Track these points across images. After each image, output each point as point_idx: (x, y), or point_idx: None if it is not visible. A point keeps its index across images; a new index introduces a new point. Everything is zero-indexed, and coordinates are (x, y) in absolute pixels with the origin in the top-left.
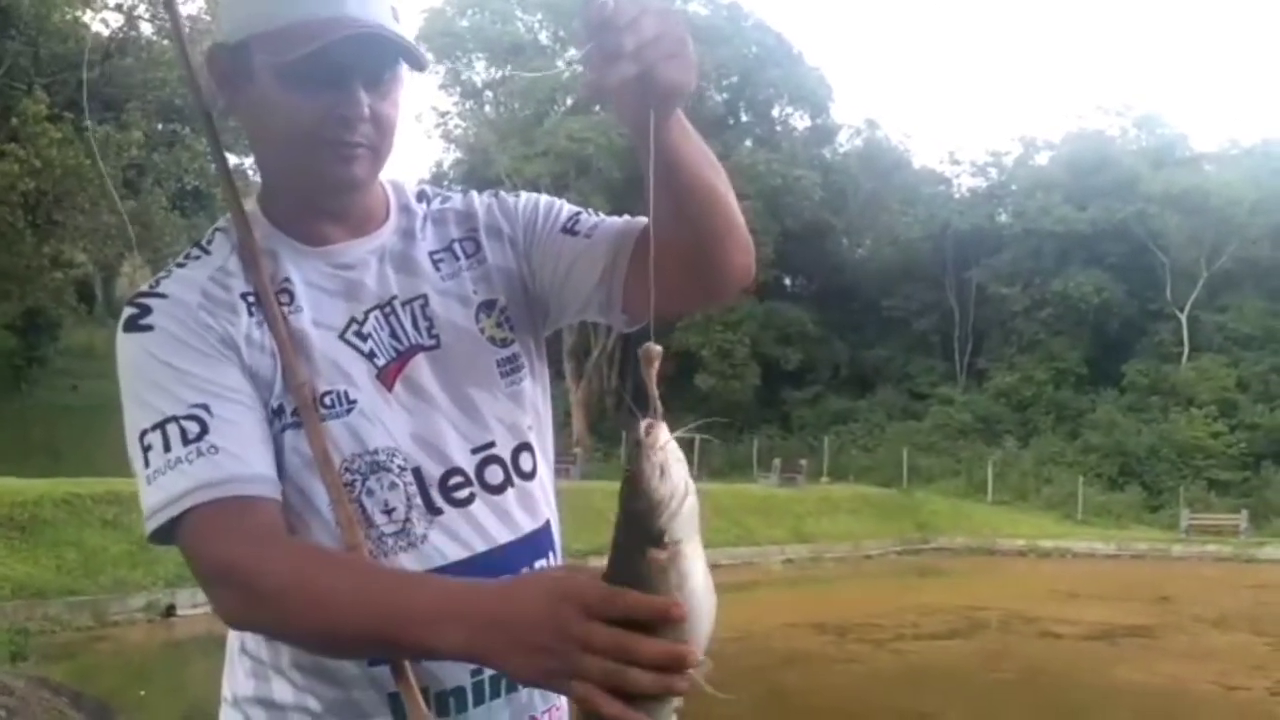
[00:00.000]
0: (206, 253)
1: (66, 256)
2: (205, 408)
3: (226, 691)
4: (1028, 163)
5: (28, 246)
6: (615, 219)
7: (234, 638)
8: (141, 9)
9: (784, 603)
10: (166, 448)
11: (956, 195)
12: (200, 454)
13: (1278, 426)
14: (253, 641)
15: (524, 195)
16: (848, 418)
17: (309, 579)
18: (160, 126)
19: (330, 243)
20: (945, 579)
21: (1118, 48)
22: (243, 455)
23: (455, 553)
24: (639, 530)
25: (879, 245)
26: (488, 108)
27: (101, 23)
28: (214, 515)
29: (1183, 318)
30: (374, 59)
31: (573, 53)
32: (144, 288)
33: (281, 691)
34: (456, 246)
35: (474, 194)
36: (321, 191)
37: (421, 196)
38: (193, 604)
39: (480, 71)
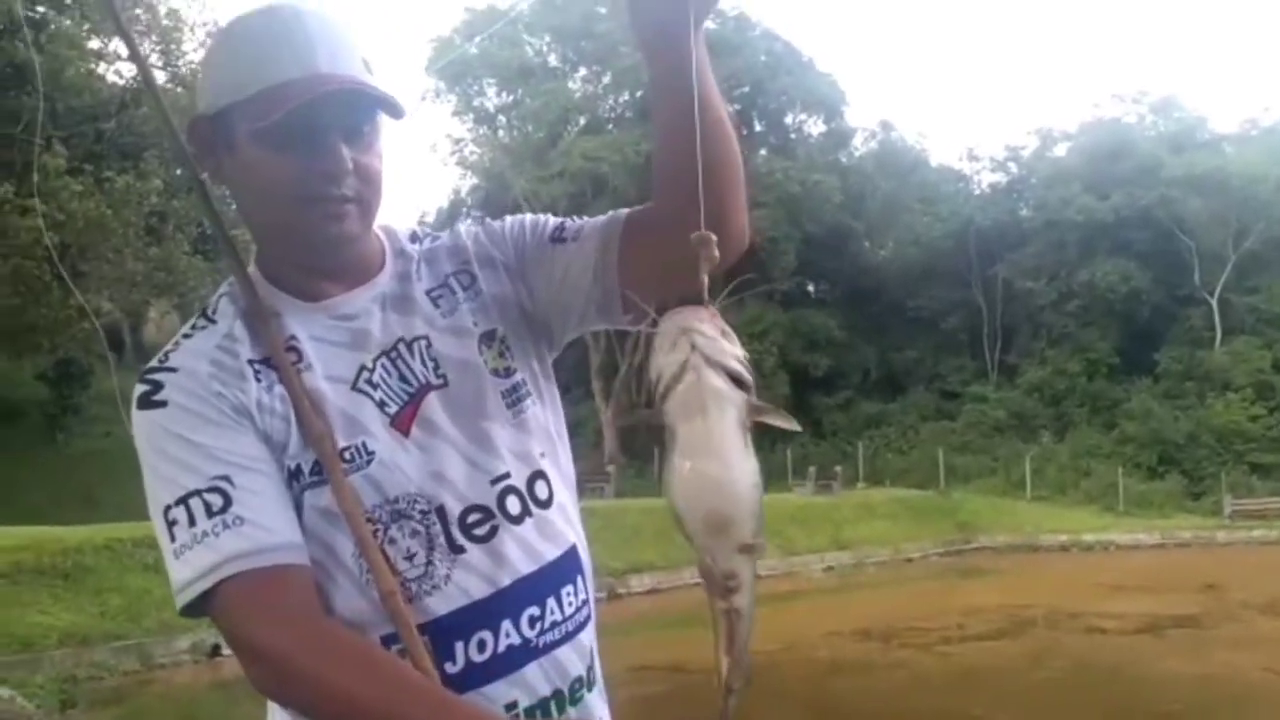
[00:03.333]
0: (212, 321)
1: (94, 305)
2: (227, 479)
3: None
4: (1046, 155)
5: (55, 299)
6: (599, 217)
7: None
8: (154, 58)
9: (827, 611)
10: (191, 522)
11: (976, 192)
12: (226, 526)
13: None
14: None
15: (510, 218)
16: (880, 421)
17: (341, 685)
18: (179, 172)
19: (330, 296)
20: (988, 579)
21: (1129, 34)
22: (268, 524)
23: (480, 589)
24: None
25: (901, 246)
26: (501, 132)
27: (115, 74)
28: (245, 589)
29: (1213, 301)
30: (351, 113)
31: (583, 72)
32: (153, 362)
33: None
34: (452, 281)
35: (461, 227)
36: (315, 251)
37: (414, 238)
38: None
39: (491, 97)
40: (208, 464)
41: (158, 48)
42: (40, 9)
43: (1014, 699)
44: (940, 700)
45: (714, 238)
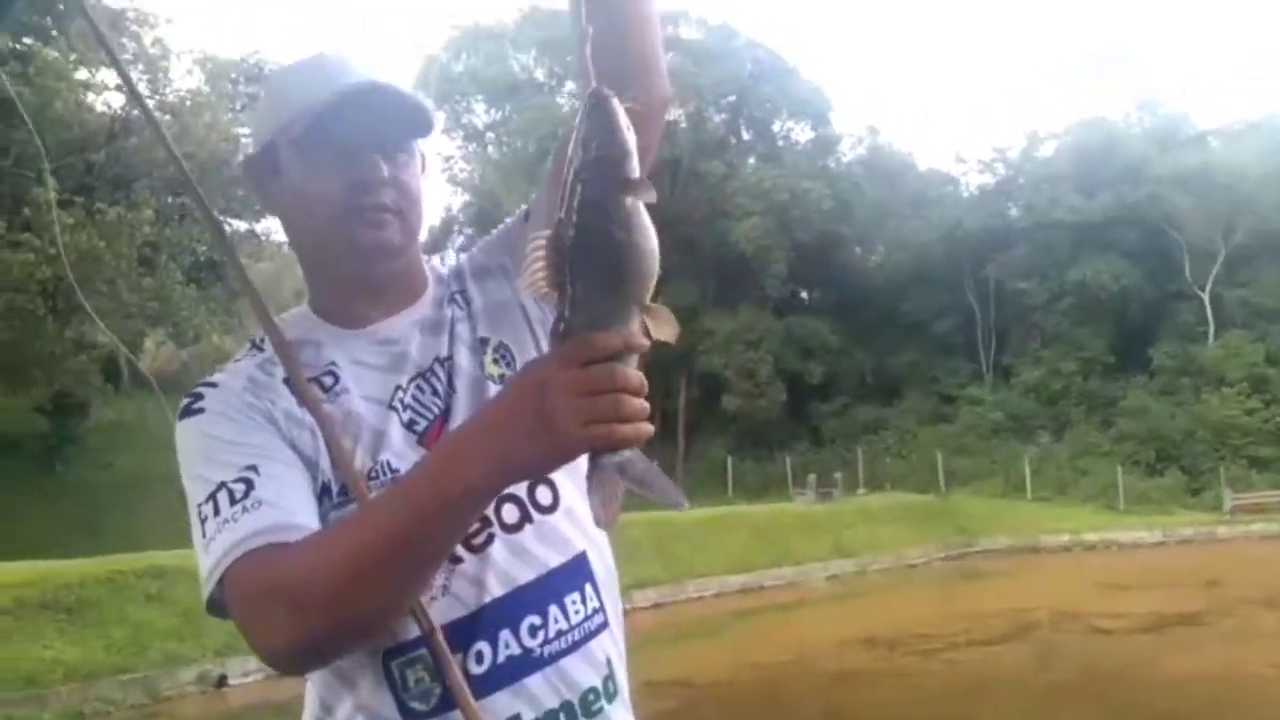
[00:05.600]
0: (260, 349)
1: (89, 338)
2: (253, 468)
3: None
4: (1033, 155)
5: (50, 332)
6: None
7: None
8: (142, 86)
9: (832, 620)
10: (216, 513)
11: (965, 194)
12: (246, 510)
13: None
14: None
15: (500, 226)
16: (878, 426)
17: (324, 537)
18: (170, 200)
19: (373, 322)
20: (991, 581)
21: (1113, 33)
22: (286, 506)
23: (475, 599)
24: (613, 176)
25: (892, 251)
26: (490, 148)
27: (104, 104)
28: (256, 561)
29: (1205, 297)
30: (385, 129)
31: (570, 87)
32: (201, 380)
33: None
34: (458, 298)
35: (463, 254)
36: (359, 261)
37: (450, 269)
38: (244, 673)
39: (480, 114)
40: (237, 457)
41: (145, 77)
42: (27, 41)
43: (1021, 704)
44: (948, 709)
45: (590, 30)
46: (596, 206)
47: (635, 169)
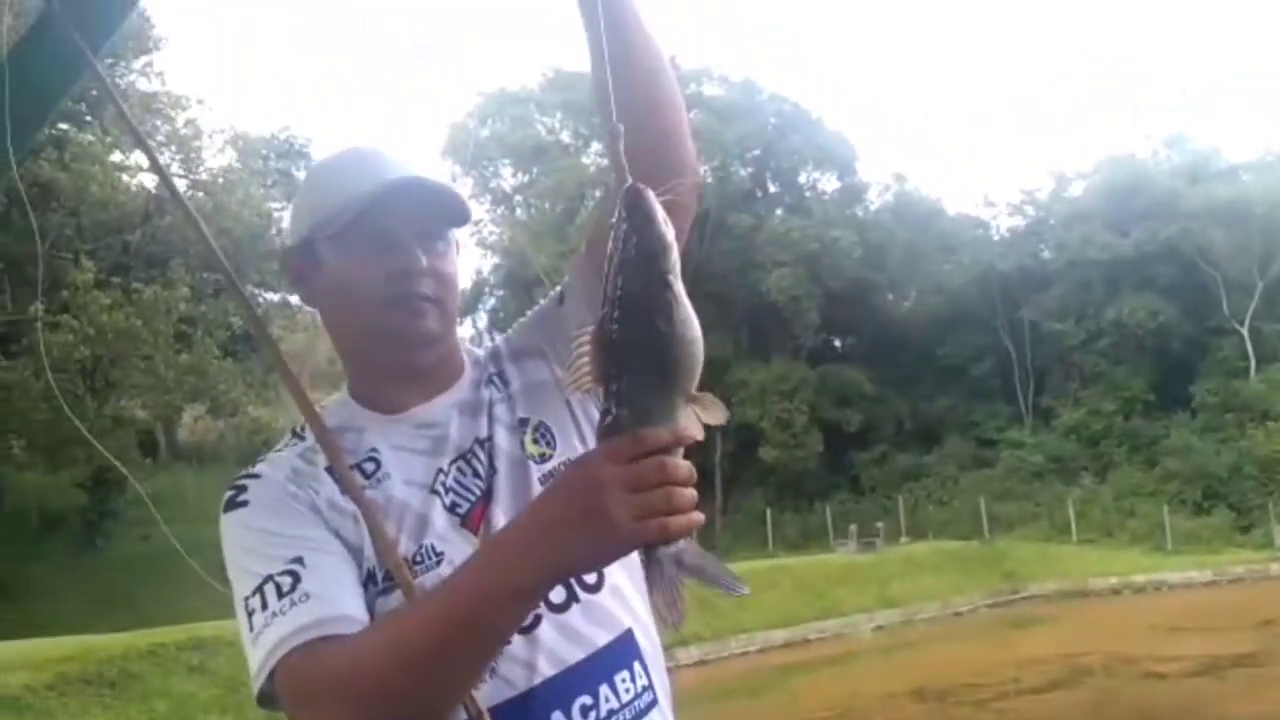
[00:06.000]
0: (301, 439)
1: (128, 414)
2: (299, 560)
3: None
4: (1062, 195)
5: (89, 410)
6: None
7: None
8: (175, 167)
9: (880, 672)
10: (264, 606)
11: (996, 237)
12: (294, 604)
13: None
14: None
15: (536, 308)
16: (918, 474)
17: (375, 633)
18: (205, 275)
19: (411, 407)
20: (1040, 628)
21: (1138, 69)
22: (333, 598)
23: (524, 680)
24: (652, 271)
25: (924, 295)
26: (519, 210)
27: (139, 185)
28: (305, 657)
29: (1244, 331)
30: (423, 220)
31: (596, 146)
32: (243, 472)
33: None
34: (495, 380)
35: (500, 336)
36: (400, 350)
37: (486, 351)
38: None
39: (507, 178)
40: (283, 549)
41: (178, 157)
42: (62, 126)
43: None
44: None
45: (622, 127)
46: (639, 301)
47: (675, 262)
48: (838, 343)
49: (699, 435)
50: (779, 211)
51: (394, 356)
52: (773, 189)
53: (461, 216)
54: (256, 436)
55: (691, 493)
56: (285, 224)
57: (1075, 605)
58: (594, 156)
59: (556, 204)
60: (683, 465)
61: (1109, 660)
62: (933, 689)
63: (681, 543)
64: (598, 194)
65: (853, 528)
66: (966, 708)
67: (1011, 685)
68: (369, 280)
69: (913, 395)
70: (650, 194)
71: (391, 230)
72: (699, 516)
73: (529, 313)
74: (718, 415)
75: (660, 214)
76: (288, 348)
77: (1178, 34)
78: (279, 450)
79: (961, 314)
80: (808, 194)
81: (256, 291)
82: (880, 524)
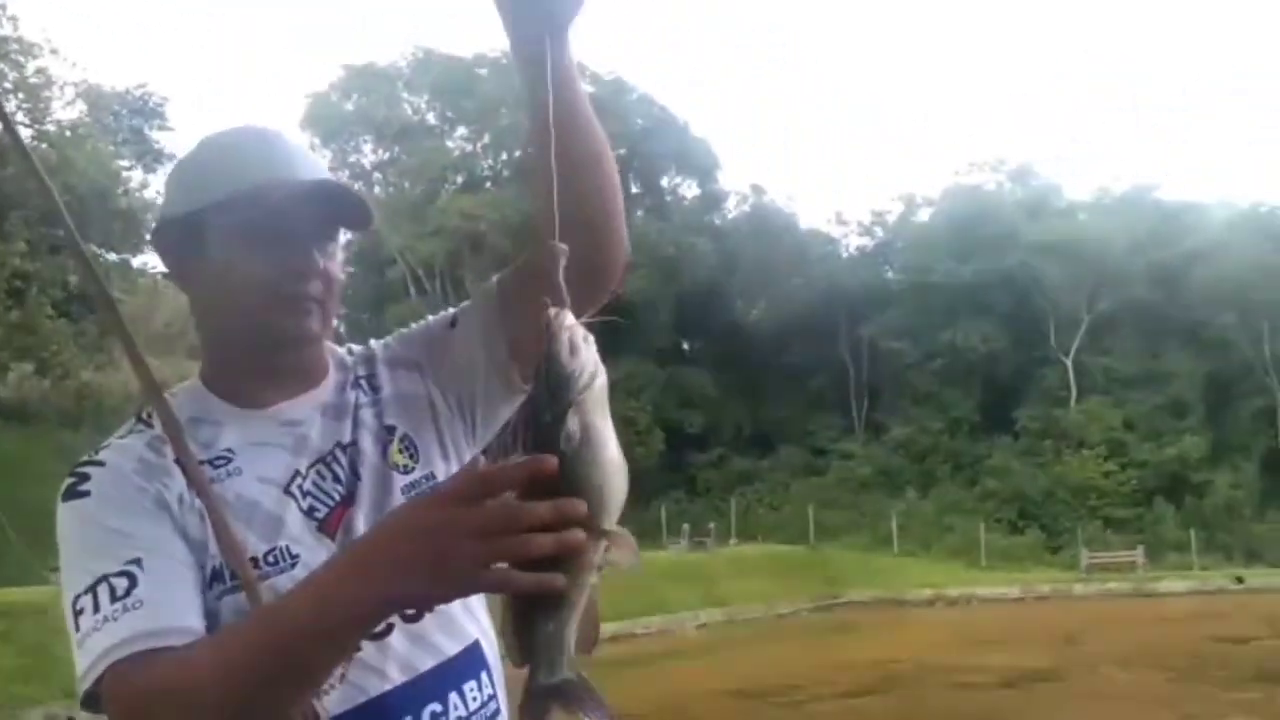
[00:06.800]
0: (148, 425)
1: None
2: (138, 562)
3: None
4: (910, 220)
5: None
6: (478, 289)
7: None
8: (20, 116)
9: (701, 670)
10: (96, 608)
11: (844, 255)
12: (126, 610)
13: (1165, 462)
14: None
15: (421, 321)
16: (753, 478)
17: (210, 649)
18: (44, 231)
19: (274, 403)
20: (857, 634)
21: (989, 104)
22: (169, 606)
23: (376, 686)
24: (552, 405)
25: (773, 306)
26: (377, 189)
27: None
28: (130, 667)
29: (1068, 362)
30: (321, 220)
31: (462, 131)
32: (84, 457)
33: None
34: (364, 384)
35: (376, 341)
36: (276, 347)
37: (349, 352)
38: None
39: (368, 154)
40: (122, 549)
41: (24, 105)
42: None
43: None
44: None
45: (565, 248)
46: (539, 435)
47: (588, 390)
48: (686, 345)
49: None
50: (640, 213)
51: (267, 353)
52: (635, 189)
53: (363, 222)
54: (85, 401)
55: (547, 541)
56: (156, 190)
57: (891, 614)
58: (459, 141)
59: (417, 185)
60: (539, 509)
61: (920, 669)
62: (752, 689)
63: (563, 618)
64: (460, 178)
65: (685, 527)
66: (783, 709)
67: (827, 688)
68: (260, 275)
69: (753, 402)
70: (566, 327)
71: (293, 229)
72: (555, 580)
73: (414, 325)
74: (627, 558)
75: (570, 346)
76: (125, 311)
77: (1030, 69)
78: (123, 437)
79: (806, 327)
80: (668, 198)
81: (98, 252)
82: (713, 525)
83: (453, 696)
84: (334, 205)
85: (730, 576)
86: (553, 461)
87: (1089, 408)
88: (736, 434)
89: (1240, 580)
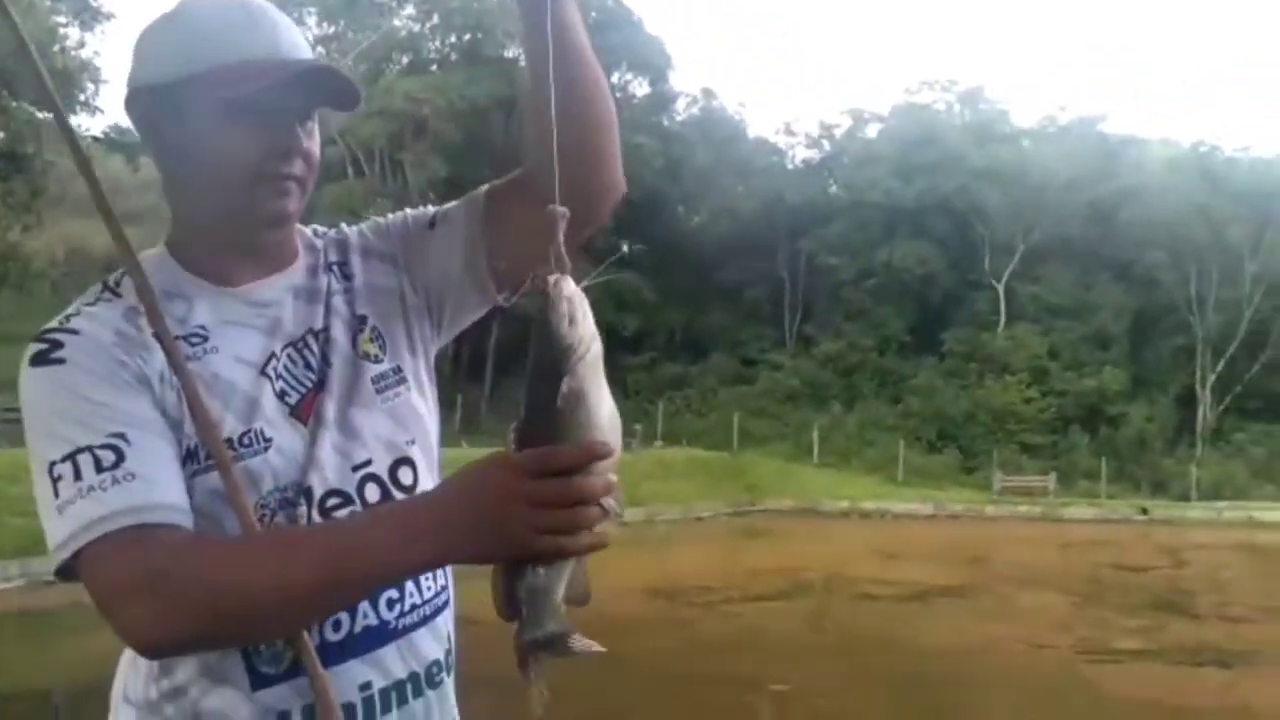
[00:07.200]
0: (116, 294)
1: None
2: (122, 436)
3: None
4: (858, 135)
5: None
6: (463, 198)
7: (118, 686)
8: None
9: (618, 568)
10: (78, 476)
11: (790, 166)
12: (116, 481)
13: (1084, 392)
14: (134, 687)
15: (395, 214)
16: (682, 384)
17: (251, 558)
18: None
19: (245, 282)
20: (772, 541)
21: (945, 21)
22: (160, 483)
23: None
24: (549, 375)
25: (715, 215)
26: None
27: None
28: (128, 540)
29: (1000, 289)
30: (307, 99)
31: (410, 10)
32: (53, 323)
33: None
34: (336, 270)
35: (348, 226)
36: (253, 227)
37: (316, 233)
38: (4, 577)
39: (312, 26)
40: (104, 422)
41: None
42: None
43: (789, 663)
44: (720, 662)
45: (565, 211)
46: (539, 402)
47: (583, 358)
48: (625, 248)
49: (610, 453)
50: None
51: (243, 232)
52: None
53: (351, 103)
54: (10, 263)
55: (595, 511)
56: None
57: (807, 523)
58: (406, 20)
59: (360, 63)
60: (591, 484)
61: (830, 578)
62: (665, 588)
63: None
64: (405, 59)
65: None
66: (695, 609)
67: (738, 591)
68: (243, 151)
69: (688, 308)
70: (565, 297)
71: (280, 108)
72: (602, 539)
73: (390, 216)
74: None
75: (569, 318)
76: (59, 173)
77: None
78: (90, 305)
79: (746, 238)
80: (618, 95)
81: (31, 110)
82: (639, 426)
83: (409, 584)
84: (321, 84)
85: (652, 478)
86: (607, 447)
87: (1016, 334)
88: (669, 339)
89: (1145, 511)
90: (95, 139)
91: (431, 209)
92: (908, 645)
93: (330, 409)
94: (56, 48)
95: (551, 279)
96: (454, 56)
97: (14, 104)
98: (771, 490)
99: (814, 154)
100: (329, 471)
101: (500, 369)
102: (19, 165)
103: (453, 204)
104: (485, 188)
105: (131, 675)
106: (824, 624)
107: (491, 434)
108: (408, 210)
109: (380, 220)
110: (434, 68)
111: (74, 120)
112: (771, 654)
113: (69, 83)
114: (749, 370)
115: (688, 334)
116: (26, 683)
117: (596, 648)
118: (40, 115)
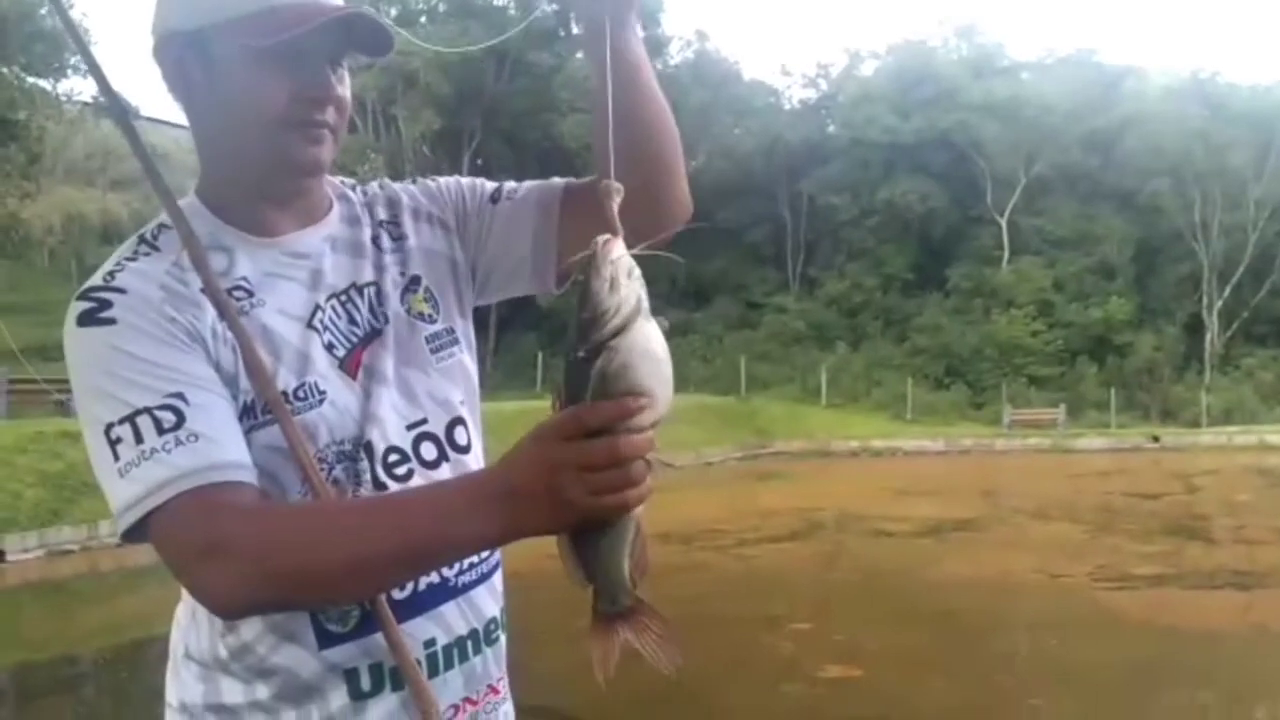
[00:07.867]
0: (156, 248)
1: None
2: (180, 396)
3: (173, 698)
4: (854, 73)
5: None
6: (535, 182)
7: (177, 643)
8: None
9: None
10: (139, 439)
11: (787, 107)
12: (179, 443)
13: (1090, 324)
14: (198, 644)
15: (447, 179)
16: (686, 329)
17: (325, 531)
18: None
19: (281, 233)
20: (784, 482)
21: None
22: (223, 442)
23: None
24: (587, 335)
25: (712, 158)
26: None
27: None
28: (199, 500)
29: (1002, 223)
30: (339, 44)
31: None
32: (96, 281)
33: (231, 691)
34: (385, 229)
35: (396, 184)
36: (285, 176)
37: (353, 187)
38: (23, 549)
39: None
40: (161, 382)
41: None
42: None
43: (808, 600)
44: (739, 603)
45: (620, 186)
46: (577, 364)
47: (623, 321)
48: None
49: (640, 410)
50: (579, 55)
51: (276, 181)
52: (576, 30)
53: (384, 49)
54: (11, 232)
55: (641, 467)
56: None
57: (817, 464)
58: None
59: None
60: (631, 442)
61: (843, 517)
62: (679, 533)
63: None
64: (393, 11)
65: None
66: (710, 552)
67: (752, 533)
68: (274, 98)
69: (689, 253)
70: (610, 261)
71: (312, 53)
72: (648, 489)
73: (440, 180)
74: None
75: (611, 282)
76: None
77: None
78: (132, 259)
79: (745, 180)
80: None
81: (22, 76)
82: None
83: None
84: (353, 30)
85: (662, 425)
86: (639, 403)
87: (1020, 268)
88: (671, 286)
89: (1156, 439)
90: (85, 103)
91: (491, 183)
92: (924, 579)
93: (387, 365)
94: (44, 9)
95: (601, 239)
96: (443, 8)
97: (3, 70)
98: (781, 433)
99: (811, 94)
100: (389, 427)
101: (504, 325)
102: (12, 132)
103: (519, 185)
104: (562, 182)
105: (193, 632)
106: (840, 562)
107: (496, 389)
108: (459, 177)
109: (429, 183)
110: (422, 20)
111: (65, 84)
112: (789, 594)
113: (58, 46)
114: (753, 314)
115: (690, 280)
116: (47, 652)
117: (672, 661)
118: (28, 80)
